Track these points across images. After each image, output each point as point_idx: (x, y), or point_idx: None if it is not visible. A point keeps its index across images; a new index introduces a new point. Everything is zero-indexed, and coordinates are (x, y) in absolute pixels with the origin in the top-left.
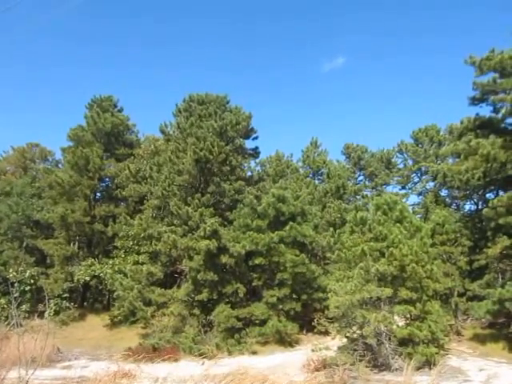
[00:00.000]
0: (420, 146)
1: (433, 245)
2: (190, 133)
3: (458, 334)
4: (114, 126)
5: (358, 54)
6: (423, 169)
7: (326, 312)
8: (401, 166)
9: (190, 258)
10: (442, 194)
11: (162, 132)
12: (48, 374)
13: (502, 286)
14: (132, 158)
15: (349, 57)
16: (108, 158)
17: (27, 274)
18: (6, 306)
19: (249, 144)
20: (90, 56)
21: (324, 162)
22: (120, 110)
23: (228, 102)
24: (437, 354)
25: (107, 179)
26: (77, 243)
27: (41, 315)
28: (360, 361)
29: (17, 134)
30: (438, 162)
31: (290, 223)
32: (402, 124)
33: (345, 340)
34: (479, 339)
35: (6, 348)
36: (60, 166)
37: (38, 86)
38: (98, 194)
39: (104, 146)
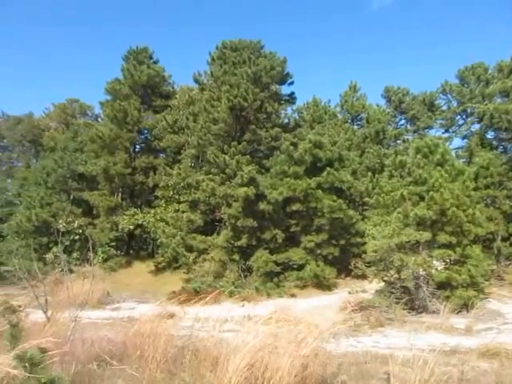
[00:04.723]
0: (466, 86)
1: (476, 188)
2: (223, 81)
3: (500, 278)
4: (150, 77)
5: None
6: (468, 110)
7: (363, 256)
8: (444, 108)
9: (229, 206)
10: (488, 136)
11: (196, 81)
12: (99, 314)
13: None
14: (168, 109)
15: None
16: (145, 111)
17: (75, 224)
18: (58, 254)
19: (285, 90)
20: (124, 11)
21: (363, 107)
22: (155, 62)
23: (262, 48)
24: (475, 297)
25: (146, 131)
26: (120, 194)
27: (91, 262)
28: (396, 303)
29: (57, 91)
30: (485, 102)
31: (328, 169)
32: (448, 66)
33: (382, 283)
34: None
35: (60, 292)
36: (100, 120)
37: (76, 43)
38: (138, 147)
39: (141, 98)
